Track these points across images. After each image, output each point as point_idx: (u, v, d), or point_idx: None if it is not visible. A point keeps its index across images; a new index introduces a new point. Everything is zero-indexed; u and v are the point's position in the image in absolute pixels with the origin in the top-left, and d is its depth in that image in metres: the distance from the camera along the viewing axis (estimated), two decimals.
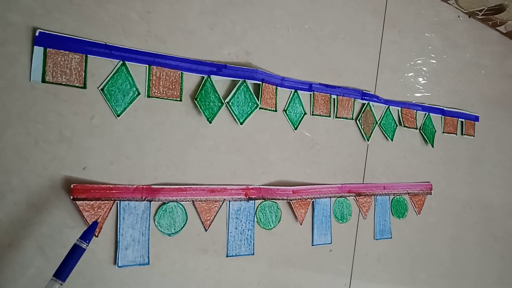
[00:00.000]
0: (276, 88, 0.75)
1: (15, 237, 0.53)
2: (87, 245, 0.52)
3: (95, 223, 0.56)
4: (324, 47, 0.82)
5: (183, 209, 0.65)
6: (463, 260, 1.07)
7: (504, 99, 1.17)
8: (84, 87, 0.57)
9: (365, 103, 0.86)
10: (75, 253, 0.50)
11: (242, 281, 0.71)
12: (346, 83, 0.84)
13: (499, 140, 1.15)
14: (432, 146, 0.98)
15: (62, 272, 0.48)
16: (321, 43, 0.81)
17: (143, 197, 0.61)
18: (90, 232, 0.53)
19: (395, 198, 0.91)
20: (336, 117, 0.82)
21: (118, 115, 0.60)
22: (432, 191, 0.98)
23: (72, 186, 0.55)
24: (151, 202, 0.62)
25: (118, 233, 0.59)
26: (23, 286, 0.53)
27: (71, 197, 0.55)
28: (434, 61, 1.01)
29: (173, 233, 0.64)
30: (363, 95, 0.85)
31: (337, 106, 0.82)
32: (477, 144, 1.10)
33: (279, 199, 0.74)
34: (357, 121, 0.85)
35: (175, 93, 0.64)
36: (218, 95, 0.68)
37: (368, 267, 0.88)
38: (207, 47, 0.68)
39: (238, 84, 0.69)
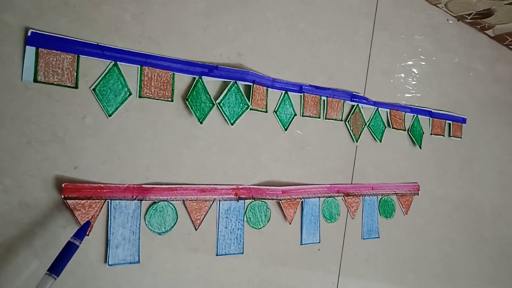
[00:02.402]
0: (267, 89, 0.76)
1: (7, 237, 0.53)
2: (80, 243, 0.53)
3: (88, 222, 0.57)
4: (316, 49, 0.83)
5: (174, 208, 0.65)
6: (451, 260, 1.08)
7: (494, 102, 1.18)
8: (76, 87, 0.58)
9: (354, 105, 0.87)
10: (69, 249, 0.52)
11: (232, 280, 0.72)
12: (337, 85, 0.85)
13: (489, 143, 1.17)
14: (420, 148, 1.00)
15: (56, 268, 0.49)
16: (313, 45, 0.82)
17: (134, 196, 0.62)
18: (83, 231, 0.55)
19: (383, 198, 0.92)
20: (325, 118, 0.83)
21: (110, 115, 0.60)
22: (419, 191, 1.00)
23: (63, 185, 0.56)
24: (142, 202, 0.63)
25: (108, 232, 0.60)
26: (16, 286, 0.54)
27: (62, 196, 0.56)
28: (424, 63, 1.02)
29: (163, 232, 0.65)
30: (353, 97, 0.86)
31: (326, 108, 0.83)
32: (467, 146, 1.11)
33: (268, 199, 0.75)
34: (347, 122, 0.87)
35: (166, 94, 0.65)
36: (209, 96, 0.69)
37: (356, 266, 0.89)
38: (200, 48, 0.69)
39: (229, 85, 0.70)
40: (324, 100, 0.83)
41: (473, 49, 1.13)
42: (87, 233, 0.58)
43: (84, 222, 0.57)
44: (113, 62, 0.61)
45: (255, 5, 0.75)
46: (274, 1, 0.77)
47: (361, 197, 0.88)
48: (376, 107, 0.91)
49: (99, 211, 0.59)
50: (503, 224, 1.20)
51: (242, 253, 0.72)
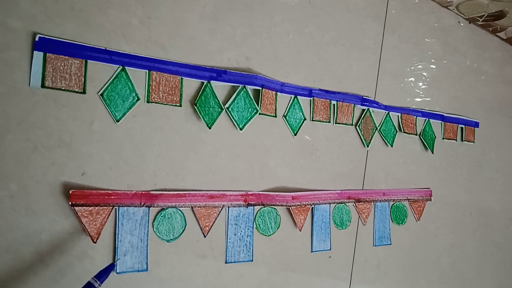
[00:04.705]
0: (276, 93, 0.75)
1: (13, 243, 0.52)
2: (100, 285, 0.52)
3: (112, 265, 0.56)
4: (324, 53, 0.82)
5: (182, 215, 0.64)
6: (463, 266, 1.06)
7: (504, 105, 1.17)
8: (84, 92, 0.57)
9: (365, 109, 0.86)
10: None
11: (241, 287, 0.71)
12: (346, 89, 0.84)
13: (499, 146, 1.15)
14: (432, 152, 0.98)
15: None
16: (321, 49, 0.81)
17: (142, 203, 0.61)
18: (105, 272, 0.54)
19: (395, 204, 0.91)
20: (336, 123, 0.82)
21: (118, 121, 0.60)
22: (432, 197, 0.98)
23: (70, 192, 0.55)
24: (150, 208, 0.62)
25: (116, 239, 0.59)
26: None
27: (70, 203, 0.55)
28: (434, 67, 1.01)
29: (171, 239, 0.64)
30: (363, 101, 0.85)
31: (337, 112, 0.82)
32: (477, 150, 1.10)
33: (278, 205, 0.74)
34: (357, 127, 0.85)
35: (174, 99, 0.64)
36: (218, 100, 0.68)
37: (368, 274, 0.88)
38: (207, 52, 0.68)
39: (238, 89, 0.69)
40: (334, 104, 0.82)
41: (483, 51, 1.12)
42: (94, 240, 0.57)
43: (108, 265, 0.56)
44: (121, 67, 0.60)
45: (262, 9, 0.74)
46: (281, 4, 0.76)
47: (372, 203, 0.87)
48: (387, 111, 0.90)
49: (107, 218, 0.58)
50: None
51: (252, 260, 0.71)
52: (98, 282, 0.52)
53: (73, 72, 0.57)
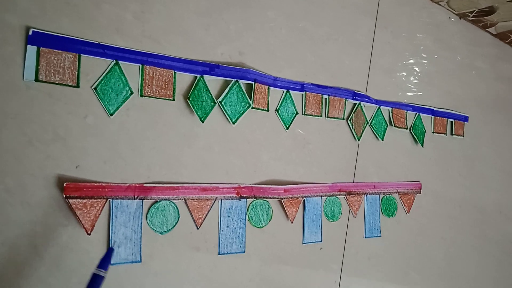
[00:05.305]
0: (269, 88, 0.75)
1: (9, 236, 0.53)
2: (106, 273, 0.52)
3: (111, 249, 0.55)
4: (317, 48, 0.82)
5: (175, 207, 0.65)
6: (453, 259, 1.08)
7: (496, 101, 1.18)
8: (77, 86, 0.58)
9: (356, 103, 0.87)
10: (95, 283, 0.50)
11: (234, 279, 0.72)
12: (339, 83, 0.85)
13: (491, 141, 1.16)
14: (422, 146, 0.99)
15: None
16: (314, 43, 0.82)
17: (136, 196, 0.62)
18: (107, 259, 0.53)
19: (385, 197, 0.92)
20: (327, 117, 0.83)
21: (111, 114, 0.60)
22: (421, 190, 0.99)
23: (65, 185, 0.56)
24: (144, 201, 0.63)
25: (110, 231, 0.60)
26: (17, 285, 0.54)
27: (64, 196, 0.56)
28: (426, 61, 1.02)
29: (165, 231, 0.65)
30: (355, 95, 0.86)
31: (328, 106, 0.83)
32: (469, 145, 1.11)
33: (270, 198, 0.75)
34: (348, 121, 0.86)
35: (168, 93, 0.65)
36: (211, 94, 0.69)
37: (358, 265, 0.89)
38: (201, 47, 0.69)
39: (231, 84, 0.70)
40: (326, 98, 0.83)
41: (475, 47, 1.13)
42: (88, 232, 0.58)
43: (107, 250, 0.55)
44: (115, 61, 0.60)
45: (256, 4, 0.75)
46: None
47: (363, 195, 0.88)
48: (378, 106, 0.91)
49: (101, 210, 0.59)
50: (505, 222, 1.20)
51: (244, 252, 0.72)
52: (103, 270, 0.52)
53: (66, 66, 0.57)
